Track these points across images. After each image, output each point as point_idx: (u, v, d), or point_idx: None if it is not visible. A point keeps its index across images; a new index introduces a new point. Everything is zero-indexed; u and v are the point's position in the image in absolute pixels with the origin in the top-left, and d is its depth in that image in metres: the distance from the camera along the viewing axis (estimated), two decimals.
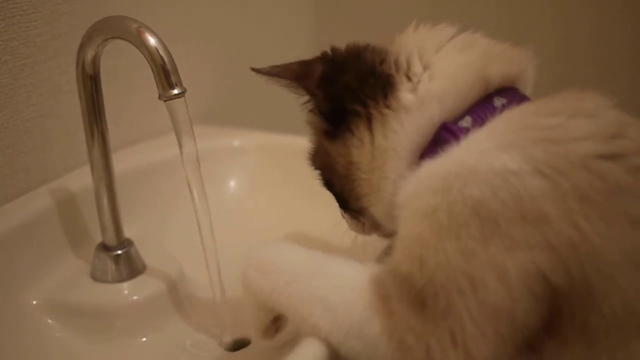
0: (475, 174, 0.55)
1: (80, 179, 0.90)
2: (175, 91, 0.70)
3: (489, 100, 0.62)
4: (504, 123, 0.59)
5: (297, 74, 0.68)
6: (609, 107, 0.60)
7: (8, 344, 0.74)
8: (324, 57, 0.69)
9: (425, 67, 0.65)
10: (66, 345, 0.78)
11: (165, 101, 0.70)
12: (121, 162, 0.86)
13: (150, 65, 0.70)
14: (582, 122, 0.57)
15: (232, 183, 1.07)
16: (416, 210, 0.57)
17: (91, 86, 0.76)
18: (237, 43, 1.28)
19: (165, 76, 0.69)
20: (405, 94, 0.63)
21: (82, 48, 0.74)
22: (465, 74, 0.63)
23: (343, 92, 0.66)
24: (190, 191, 0.74)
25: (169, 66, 0.69)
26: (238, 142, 1.10)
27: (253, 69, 0.69)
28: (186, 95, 0.71)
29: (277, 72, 0.68)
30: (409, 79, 0.64)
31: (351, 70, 0.66)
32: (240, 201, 1.06)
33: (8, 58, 0.83)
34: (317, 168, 0.73)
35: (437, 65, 0.64)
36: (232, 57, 1.26)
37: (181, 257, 0.89)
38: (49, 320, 0.79)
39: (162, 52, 0.69)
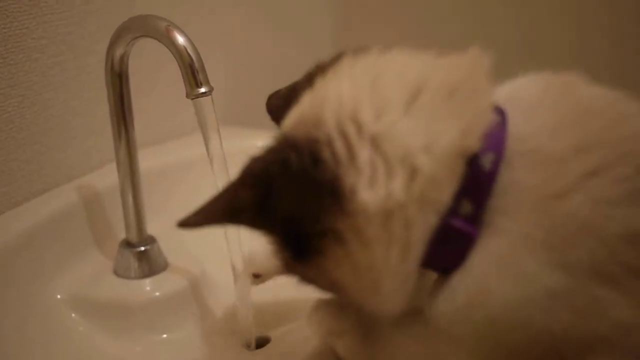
0: (525, 301, 0.48)
1: (105, 177, 0.91)
2: (203, 89, 0.71)
3: (476, 167, 0.49)
4: (517, 212, 0.49)
5: (227, 214, 0.53)
6: None
7: (33, 337, 0.75)
8: (246, 177, 0.53)
9: (372, 145, 0.50)
10: (89, 339, 0.78)
11: (192, 99, 0.71)
12: (146, 161, 0.87)
13: (178, 64, 0.71)
14: None
15: None
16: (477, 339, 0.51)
17: (120, 84, 0.77)
18: (260, 43, 1.29)
19: (193, 74, 0.70)
20: (362, 195, 0.49)
21: (111, 46, 0.75)
22: (437, 148, 0.49)
23: (288, 216, 0.52)
24: (216, 184, 0.75)
25: (196, 65, 0.70)
26: (261, 143, 1.10)
27: (180, 225, 0.54)
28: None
29: (205, 220, 0.53)
30: (358, 171, 0.49)
31: (285, 190, 0.51)
32: None
33: (38, 56, 0.84)
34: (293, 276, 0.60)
35: (389, 141, 0.49)
36: (254, 58, 1.27)
37: (202, 257, 0.90)
38: (73, 315, 0.80)
39: (190, 51, 0.70)
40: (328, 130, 0.51)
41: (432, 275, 0.54)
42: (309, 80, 0.58)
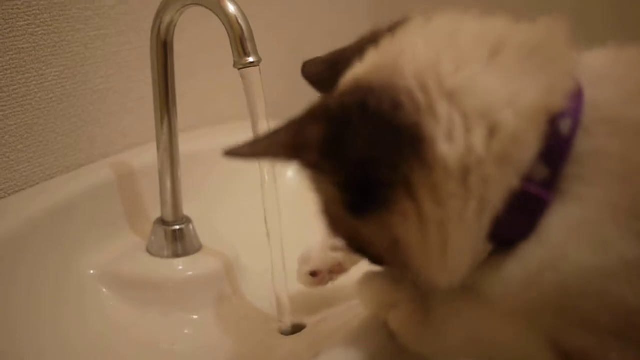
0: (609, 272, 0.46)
1: (142, 156, 0.89)
2: (251, 59, 0.69)
3: (555, 130, 0.47)
4: (600, 181, 0.46)
5: (291, 147, 0.47)
6: None
7: (64, 309, 0.73)
8: (317, 111, 0.49)
9: (450, 98, 0.47)
10: (119, 314, 0.77)
11: (240, 69, 0.70)
12: (184, 144, 0.85)
13: (228, 33, 0.69)
14: None
15: (289, 174, 1.06)
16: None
17: (164, 53, 0.76)
18: (299, 32, 1.27)
19: (242, 44, 0.69)
20: (442, 147, 0.46)
21: (159, 13, 0.74)
22: (520, 104, 0.46)
23: (360, 159, 0.48)
24: (260, 170, 0.73)
25: (246, 34, 0.69)
26: None
27: (227, 153, 0.47)
28: None
29: (261, 151, 0.49)
30: (437, 121, 0.46)
31: (361, 131, 0.47)
32: (296, 193, 1.04)
33: (81, 27, 0.83)
34: (341, 238, 0.57)
35: (469, 95, 0.47)
36: (293, 51, 1.25)
37: (237, 242, 0.88)
38: (104, 290, 0.78)
39: (240, 20, 0.69)
40: (406, 80, 0.48)
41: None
42: (365, 43, 0.55)
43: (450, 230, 0.47)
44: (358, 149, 0.47)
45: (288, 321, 0.77)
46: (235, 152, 0.47)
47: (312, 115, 0.48)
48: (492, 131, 0.46)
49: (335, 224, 0.54)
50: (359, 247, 0.55)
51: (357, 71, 0.53)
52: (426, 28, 0.52)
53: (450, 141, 0.46)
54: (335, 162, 0.48)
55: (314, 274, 0.75)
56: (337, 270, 0.75)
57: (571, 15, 0.51)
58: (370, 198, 0.49)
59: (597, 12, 1.25)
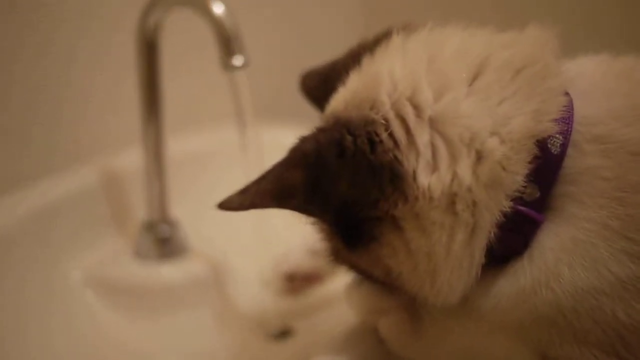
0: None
1: (128, 158, 0.88)
2: (238, 60, 0.68)
3: (545, 150, 0.46)
4: (592, 201, 0.46)
5: (275, 196, 0.47)
6: None
7: (50, 312, 0.73)
8: (296, 157, 0.48)
9: (432, 127, 0.46)
10: (106, 317, 0.76)
11: (227, 71, 0.69)
12: (172, 145, 0.84)
13: (215, 33, 0.68)
14: None
15: None
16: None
17: (149, 54, 0.75)
18: (289, 39, 1.27)
19: (229, 44, 0.68)
20: (424, 179, 0.46)
21: (145, 14, 0.73)
22: (507, 131, 0.46)
23: (342, 201, 0.48)
24: (247, 172, 0.72)
25: (233, 35, 0.68)
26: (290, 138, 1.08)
27: (220, 206, 0.49)
28: None
29: (250, 202, 0.48)
30: (418, 154, 0.46)
31: (339, 173, 0.47)
32: None
33: (67, 27, 0.82)
34: (343, 267, 0.57)
35: (452, 123, 0.46)
36: (282, 53, 1.24)
37: (224, 244, 0.87)
38: (91, 293, 0.77)
39: (227, 22, 0.68)
40: (384, 112, 0.47)
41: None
42: (352, 58, 0.54)
43: (438, 257, 0.47)
44: (339, 192, 0.47)
45: (277, 325, 0.77)
46: (226, 205, 0.48)
47: (291, 161, 0.48)
48: (478, 158, 0.46)
49: (335, 255, 0.54)
50: (360, 274, 0.55)
51: (337, 101, 0.52)
52: (405, 49, 0.51)
53: (433, 171, 0.46)
54: (319, 206, 0.48)
55: (289, 277, 0.74)
56: (313, 278, 0.74)
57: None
58: (359, 233, 0.49)
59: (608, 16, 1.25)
